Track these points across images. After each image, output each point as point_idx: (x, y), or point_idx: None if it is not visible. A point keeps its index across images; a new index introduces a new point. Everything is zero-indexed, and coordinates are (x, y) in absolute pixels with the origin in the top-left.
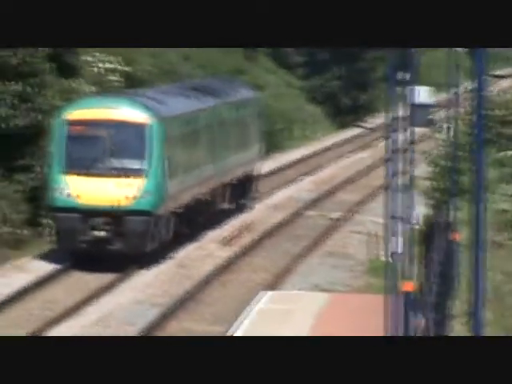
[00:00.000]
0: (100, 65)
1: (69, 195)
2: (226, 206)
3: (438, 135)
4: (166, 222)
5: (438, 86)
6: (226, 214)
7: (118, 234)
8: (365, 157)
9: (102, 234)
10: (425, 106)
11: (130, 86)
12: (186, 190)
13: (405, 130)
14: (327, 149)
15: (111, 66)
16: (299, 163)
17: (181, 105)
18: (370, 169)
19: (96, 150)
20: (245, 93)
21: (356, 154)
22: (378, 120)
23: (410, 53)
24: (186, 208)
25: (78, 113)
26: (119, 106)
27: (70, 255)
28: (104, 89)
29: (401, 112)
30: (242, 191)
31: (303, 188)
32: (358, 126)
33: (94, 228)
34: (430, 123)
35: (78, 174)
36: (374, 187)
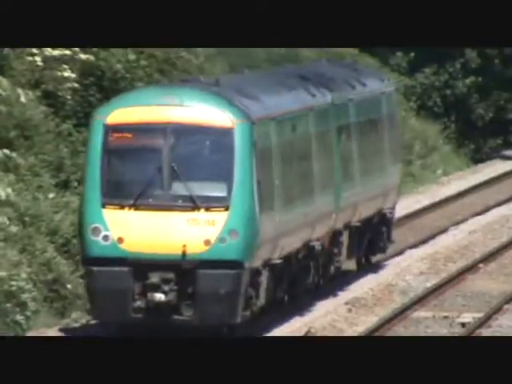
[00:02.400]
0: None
1: (108, 239)
2: (344, 262)
3: None
4: (259, 279)
5: None
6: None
7: (189, 298)
8: None
9: (163, 297)
10: None
11: (97, 84)
12: (289, 233)
13: None
14: (452, 199)
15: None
16: (403, 225)
17: (281, 101)
18: None
19: (149, 170)
20: (376, 85)
21: (503, 206)
22: None
23: None
24: (286, 262)
25: (121, 113)
26: (186, 102)
27: (114, 330)
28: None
29: None
30: (373, 240)
31: (411, 271)
32: (507, 158)
33: (149, 289)
34: None
35: (122, 207)
36: None
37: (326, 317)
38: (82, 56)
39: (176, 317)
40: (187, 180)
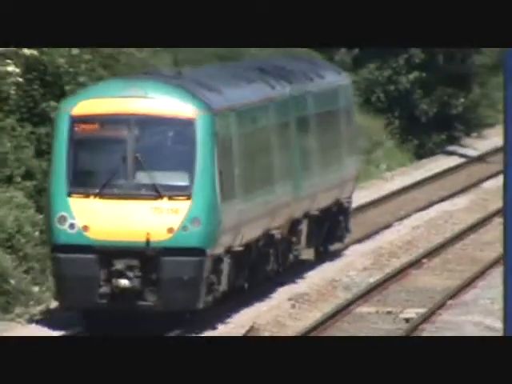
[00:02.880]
0: None
1: (74, 227)
2: (303, 251)
3: None
4: (221, 266)
5: None
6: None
7: (153, 284)
8: (461, 206)
9: (128, 283)
10: None
11: (40, 79)
12: (249, 221)
13: None
14: (396, 194)
15: None
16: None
17: (242, 92)
18: (470, 227)
19: (114, 160)
20: (333, 77)
21: (447, 202)
22: (484, 142)
23: None
24: (247, 249)
25: (86, 104)
26: (149, 94)
27: (81, 316)
28: None
29: None
30: (330, 230)
31: (354, 266)
32: (451, 153)
33: (114, 275)
34: None
35: (87, 196)
36: (481, 261)
37: (270, 312)
38: (26, 51)
39: (140, 302)
40: (151, 169)
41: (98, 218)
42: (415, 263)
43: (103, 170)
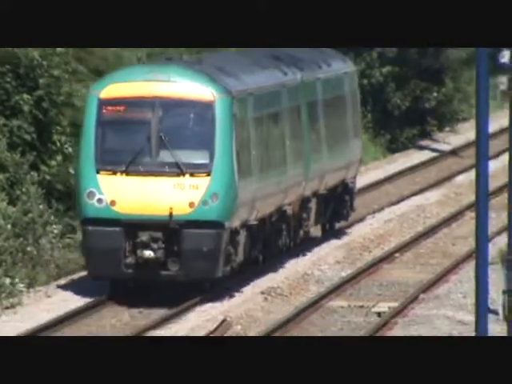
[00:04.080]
0: None
1: (102, 201)
2: (312, 228)
3: None
4: (238, 238)
5: None
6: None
7: (175, 255)
8: (433, 201)
9: (152, 254)
10: None
11: (13, 71)
12: (264, 197)
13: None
14: (368, 188)
15: None
16: None
17: (258, 78)
18: (443, 221)
19: (139, 140)
20: (339, 65)
21: (419, 196)
22: (457, 137)
23: None
24: (261, 223)
25: (114, 88)
26: (172, 78)
27: (107, 284)
28: None
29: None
30: (336, 209)
31: (326, 260)
32: (424, 148)
33: (139, 246)
34: None
35: (115, 173)
36: (454, 256)
37: (242, 306)
38: None
39: (163, 272)
40: (173, 148)
41: (125, 194)
42: (387, 257)
43: (129, 149)
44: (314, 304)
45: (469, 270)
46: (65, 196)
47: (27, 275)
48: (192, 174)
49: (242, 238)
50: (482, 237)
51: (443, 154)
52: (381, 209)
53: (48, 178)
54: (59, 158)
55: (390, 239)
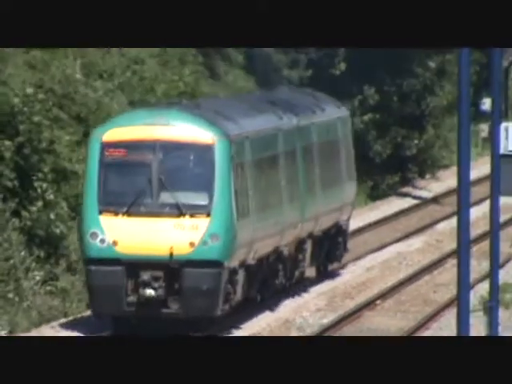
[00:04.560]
0: None
1: (104, 242)
2: (306, 269)
3: None
4: (236, 278)
5: None
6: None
7: (175, 293)
8: (414, 248)
9: (153, 293)
10: None
11: None
12: (261, 238)
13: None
14: (352, 235)
15: None
16: None
17: (255, 121)
18: (424, 269)
19: (140, 181)
20: (333, 110)
21: (401, 243)
22: (438, 184)
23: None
24: (259, 263)
25: (115, 132)
26: (172, 122)
27: (110, 322)
28: None
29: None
30: (330, 251)
31: (307, 306)
32: (405, 195)
33: (141, 285)
34: None
35: (116, 214)
36: (435, 303)
37: None
38: None
39: (164, 310)
40: (174, 190)
41: (126, 234)
42: (369, 304)
43: (131, 190)
44: None
45: (450, 318)
46: (46, 242)
47: (8, 322)
48: (192, 215)
49: (240, 277)
50: (463, 284)
51: (424, 202)
52: (362, 256)
53: (29, 224)
54: (40, 204)
55: (371, 286)
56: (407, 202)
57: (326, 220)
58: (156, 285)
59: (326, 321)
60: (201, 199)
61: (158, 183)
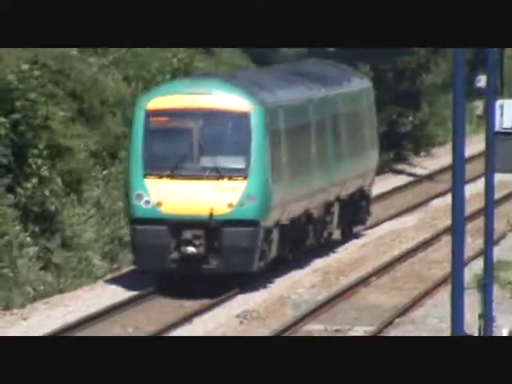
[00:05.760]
0: None
1: (149, 203)
2: (333, 231)
3: None
4: (271, 236)
5: None
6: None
7: (215, 250)
8: (409, 225)
9: (195, 250)
10: None
11: None
12: (293, 200)
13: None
14: None
15: None
16: None
17: (287, 92)
18: (419, 246)
19: (182, 147)
20: (358, 81)
21: (395, 220)
22: (433, 161)
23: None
24: (291, 225)
25: (159, 101)
26: (212, 91)
27: (154, 277)
28: None
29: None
30: (355, 214)
31: (302, 283)
32: (400, 172)
33: (183, 243)
34: None
35: (160, 177)
36: (429, 280)
37: (218, 330)
38: None
39: (205, 266)
40: (213, 155)
41: (169, 196)
42: (363, 281)
43: (173, 155)
44: (291, 327)
45: (444, 295)
46: (41, 218)
47: (3, 298)
48: (230, 178)
49: (275, 236)
50: (457, 261)
51: (419, 179)
52: (357, 233)
53: (24, 200)
54: (35, 180)
55: (366, 263)
56: (402, 179)
57: (352, 185)
58: (197, 243)
59: (320, 297)
60: (238, 163)
61: (198, 148)
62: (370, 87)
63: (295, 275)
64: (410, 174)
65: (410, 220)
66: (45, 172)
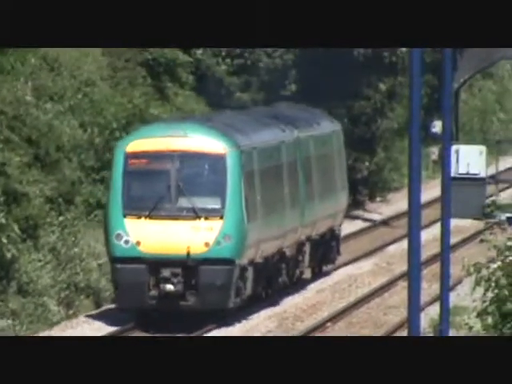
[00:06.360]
0: None
1: (129, 242)
2: (305, 270)
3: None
4: (246, 274)
5: (501, 144)
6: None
7: (192, 288)
8: (365, 270)
9: (173, 287)
10: (474, 181)
11: None
12: (267, 239)
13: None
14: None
15: None
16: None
17: (261, 134)
18: (375, 291)
19: (160, 188)
20: (328, 124)
21: (351, 265)
22: (388, 207)
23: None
24: (265, 263)
25: (138, 143)
26: (188, 134)
27: (133, 314)
28: None
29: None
30: (325, 253)
31: (258, 328)
32: (355, 218)
33: (161, 281)
34: (483, 212)
35: (139, 217)
36: (386, 325)
37: None
38: None
39: (182, 303)
40: (190, 195)
41: (148, 235)
42: (319, 327)
43: (152, 196)
44: None
45: None
46: None
47: None
48: (207, 218)
49: (249, 274)
50: (414, 307)
51: (375, 224)
52: (313, 279)
53: None
54: None
55: (322, 308)
56: (358, 225)
57: (323, 225)
58: (175, 280)
59: None
60: (214, 203)
61: (176, 189)
62: (339, 130)
63: (251, 321)
64: (365, 220)
65: (366, 265)
66: (1, 219)
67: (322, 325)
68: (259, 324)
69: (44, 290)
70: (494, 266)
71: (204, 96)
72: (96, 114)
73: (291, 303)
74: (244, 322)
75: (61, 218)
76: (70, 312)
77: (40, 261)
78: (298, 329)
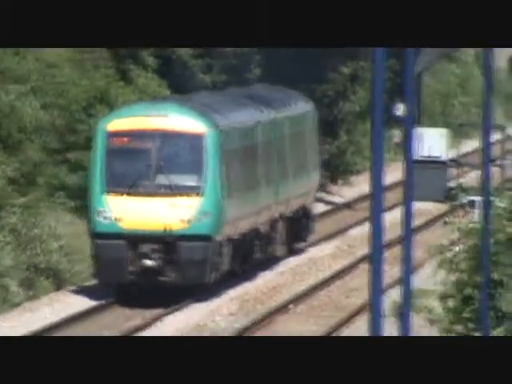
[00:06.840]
0: None
1: (109, 218)
2: (278, 246)
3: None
4: (223, 250)
5: (463, 127)
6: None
7: (171, 263)
8: (326, 253)
9: (152, 263)
10: (435, 164)
11: None
12: (243, 216)
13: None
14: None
15: None
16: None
17: (239, 114)
18: (336, 274)
19: (141, 166)
20: (302, 105)
21: (312, 248)
22: (350, 189)
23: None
24: (241, 239)
25: (119, 122)
26: (168, 114)
27: (113, 289)
28: None
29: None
30: (297, 231)
31: (219, 310)
32: (317, 200)
33: (141, 257)
34: (445, 195)
35: (120, 194)
36: (347, 308)
37: None
38: None
39: (161, 278)
40: (169, 173)
41: (128, 212)
42: (281, 309)
43: (132, 173)
44: None
45: (361, 323)
46: None
47: None
48: (186, 195)
49: (226, 250)
50: (375, 289)
51: (337, 207)
52: (274, 261)
53: None
54: None
55: (282, 291)
56: (319, 208)
57: (296, 203)
58: (154, 256)
59: (238, 325)
60: (193, 181)
61: (155, 167)
62: (314, 111)
63: (212, 303)
64: (327, 203)
65: (327, 248)
66: None
67: (283, 307)
68: (221, 306)
69: (5, 271)
70: (456, 248)
71: (167, 78)
72: (57, 96)
73: (252, 285)
74: (207, 303)
75: (22, 199)
76: (31, 293)
77: (0, 241)
78: (258, 311)
